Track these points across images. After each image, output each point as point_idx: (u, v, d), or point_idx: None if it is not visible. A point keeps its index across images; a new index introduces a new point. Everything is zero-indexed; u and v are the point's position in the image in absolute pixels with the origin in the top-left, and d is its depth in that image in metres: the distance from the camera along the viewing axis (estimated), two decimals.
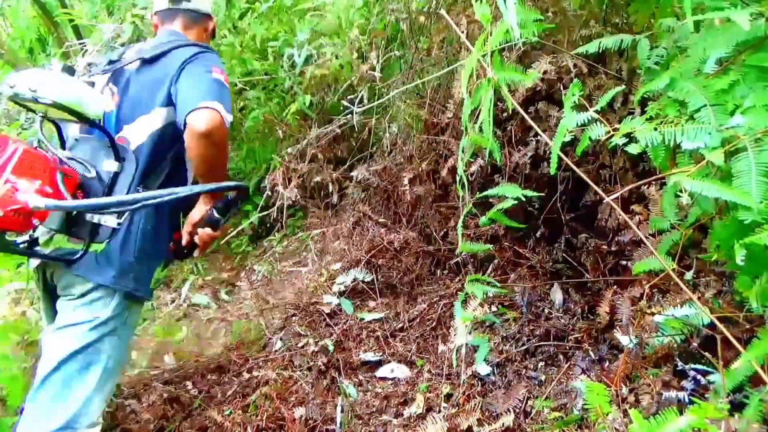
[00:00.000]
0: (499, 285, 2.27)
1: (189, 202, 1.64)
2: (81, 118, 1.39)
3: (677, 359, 1.62)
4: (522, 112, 1.43)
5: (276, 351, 2.50)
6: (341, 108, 3.35)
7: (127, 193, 1.49)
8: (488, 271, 2.50)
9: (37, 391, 1.48)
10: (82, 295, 1.51)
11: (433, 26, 2.80)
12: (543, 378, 1.90)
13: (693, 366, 1.56)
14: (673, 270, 1.39)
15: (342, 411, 1.99)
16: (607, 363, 1.85)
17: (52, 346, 1.52)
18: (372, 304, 2.71)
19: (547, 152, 2.23)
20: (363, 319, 2.58)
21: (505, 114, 2.36)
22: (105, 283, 1.51)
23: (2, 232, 1.30)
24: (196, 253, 1.70)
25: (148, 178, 1.56)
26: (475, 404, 1.80)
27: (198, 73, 1.56)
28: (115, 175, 1.51)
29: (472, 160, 2.45)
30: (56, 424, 1.45)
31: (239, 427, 1.92)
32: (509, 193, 1.71)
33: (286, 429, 1.92)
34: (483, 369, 1.97)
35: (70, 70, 1.51)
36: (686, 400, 1.49)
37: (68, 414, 1.47)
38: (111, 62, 1.71)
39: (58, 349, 1.50)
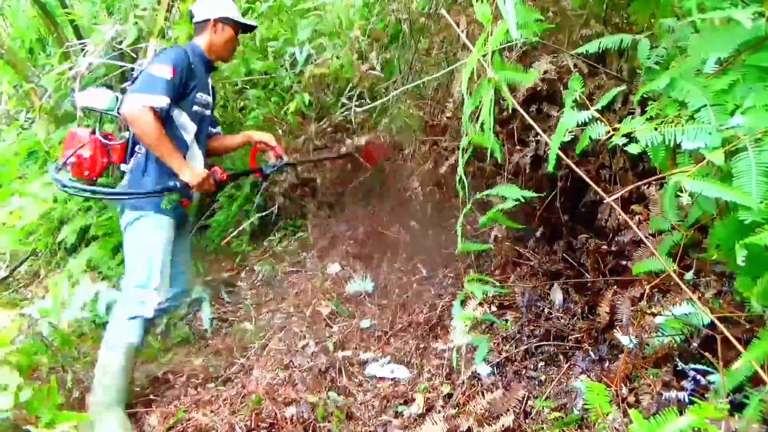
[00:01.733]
0: (499, 285, 2.26)
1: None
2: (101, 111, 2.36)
3: (677, 359, 1.62)
4: (522, 112, 1.43)
5: (276, 351, 2.50)
6: (340, 107, 3.35)
7: (131, 149, 2.36)
8: (488, 271, 2.50)
9: None
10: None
11: (434, 26, 2.80)
12: (543, 378, 1.90)
13: (693, 366, 1.56)
14: (674, 270, 1.38)
15: (338, 411, 1.99)
16: (607, 363, 1.85)
17: None
18: (372, 303, 2.72)
19: (547, 153, 2.23)
20: (362, 319, 2.58)
21: (505, 114, 2.36)
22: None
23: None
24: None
25: (138, 142, 2.32)
26: (475, 404, 1.80)
27: (145, 70, 2.24)
28: (127, 140, 2.37)
29: (472, 160, 2.45)
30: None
31: (231, 427, 1.92)
32: (508, 193, 1.71)
33: (281, 428, 1.92)
34: (483, 369, 1.97)
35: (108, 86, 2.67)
36: (686, 400, 1.49)
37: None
38: None
39: None
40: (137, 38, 3.15)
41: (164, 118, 2.21)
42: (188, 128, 2.36)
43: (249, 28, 2.59)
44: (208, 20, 2.41)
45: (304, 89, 3.33)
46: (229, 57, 2.59)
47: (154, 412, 2.09)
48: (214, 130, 2.71)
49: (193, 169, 2.26)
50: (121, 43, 3.15)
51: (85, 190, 2.30)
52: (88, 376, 2.28)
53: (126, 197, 2.27)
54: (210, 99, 2.50)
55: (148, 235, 2.27)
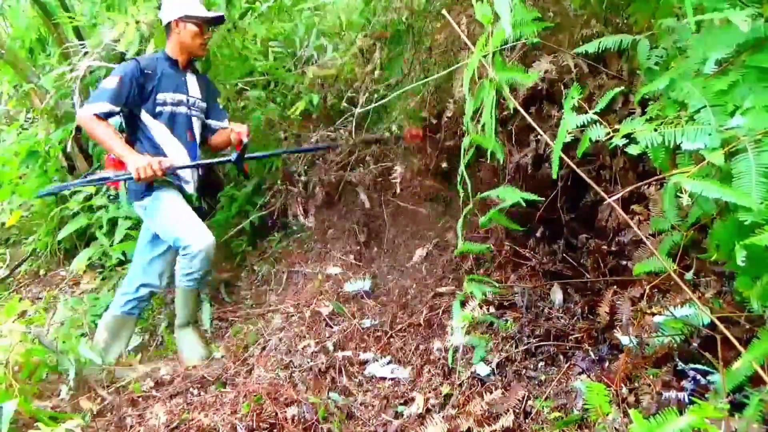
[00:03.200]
0: (498, 285, 2.27)
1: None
2: None
3: (677, 359, 1.62)
4: (523, 112, 1.44)
5: (275, 351, 2.50)
6: (342, 108, 3.34)
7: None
8: (488, 271, 2.50)
9: None
10: None
11: (434, 27, 2.80)
12: (543, 378, 1.90)
13: (693, 366, 1.56)
14: (674, 270, 1.39)
15: (339, 411, 1.99)
16: (607, 363, 1.85)
17: None
18: (372, 303, 2.72)
19: (548, 152, 2.23)
20: (362, 319, 2.58)
21: (505, 113, 2.36)
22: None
23: None
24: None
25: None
26: (475, 404, 1.80)
27: None
28: None
29: (473, 160, 2.45)
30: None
31: (233, 428, 1.92)
32: (508, 196, 1.71)
33: (282, 428, 1.92)
34: (482, 369, 1.97)
35: None
36: (686, 400, 1.49)
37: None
38: None
39: None
40: (139, 43, 3.12)
41: (127, 121, 2.62)
42: (155, 127, 2.63)
43: (213, 21, 2.74)
44: (171, 22, 2.64)
45: (308, 90, 3.33)
46: (201, 52, 2.77)
47: (157, 413, 2.09)
48: (220, 125, 2.88)
49: (135, 159, 2.48)
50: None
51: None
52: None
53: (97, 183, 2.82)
54: (185, 96, 2.71)
55: (158, 211, 2.63)
